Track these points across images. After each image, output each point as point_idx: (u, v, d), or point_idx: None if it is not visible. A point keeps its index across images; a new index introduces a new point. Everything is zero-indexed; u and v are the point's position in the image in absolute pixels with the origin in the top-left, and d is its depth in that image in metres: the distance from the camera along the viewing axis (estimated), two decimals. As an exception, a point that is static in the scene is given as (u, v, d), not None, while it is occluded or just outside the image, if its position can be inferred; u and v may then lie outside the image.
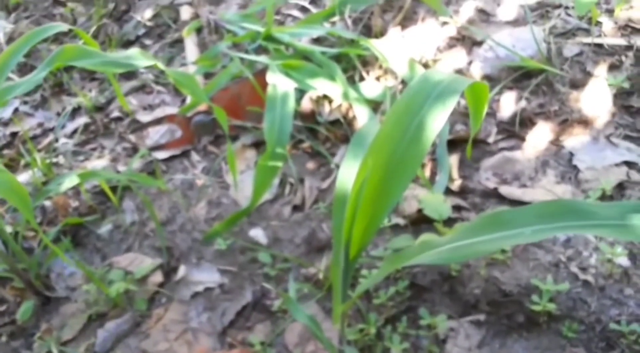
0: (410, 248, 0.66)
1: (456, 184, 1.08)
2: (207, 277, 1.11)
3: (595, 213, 0.55)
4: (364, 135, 0.85)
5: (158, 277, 1.12)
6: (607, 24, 1.30)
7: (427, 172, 1.14)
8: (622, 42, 1.25)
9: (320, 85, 1.30)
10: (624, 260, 0.91)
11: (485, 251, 0.71)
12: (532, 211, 0.59)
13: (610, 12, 1.34)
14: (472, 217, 1.01)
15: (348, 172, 0.79)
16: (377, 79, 1.31)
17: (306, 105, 1.29)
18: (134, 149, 1.38)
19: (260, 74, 1.32)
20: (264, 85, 1.28)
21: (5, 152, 1.46)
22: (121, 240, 1.21)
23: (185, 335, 1.03)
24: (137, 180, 1.10)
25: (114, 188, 1.25)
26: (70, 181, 0.97)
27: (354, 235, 0.66)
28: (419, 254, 0.63)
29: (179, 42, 1.66)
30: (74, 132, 1.48)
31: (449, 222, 1.01)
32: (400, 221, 1.05)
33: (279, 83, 1.24)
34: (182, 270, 1.12)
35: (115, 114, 1.49)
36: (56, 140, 1.47)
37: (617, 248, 0.91)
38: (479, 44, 1.34)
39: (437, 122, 0.63)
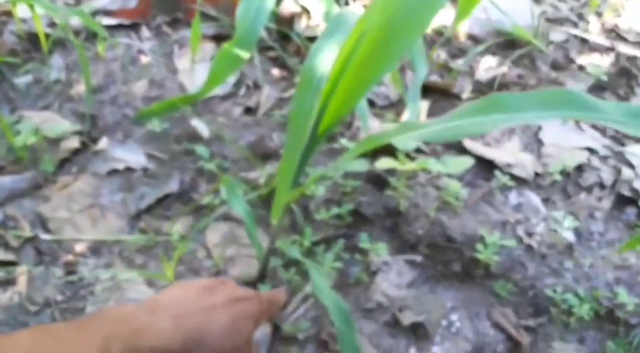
0: (391, 129, 0.59)
1: (422, 126, 1.03)
2: (131, 157, 0.98)
3: (600, 108, 0.51)
4: (345, 17, 0.76)
5: (74, 143, 0.98)
6: (595, 24, 1.30)
7: (395, 114, 1.08)
8: (606, 43, 1.25)
9: (303, -4, 1.20)
10: (569, 235, 0.90)
11: (480, 131, 0.66)
12: (537, 97, 0.54)
13: (599, 14, 1.34)
14: (431, 162, 0.96)
15: (323, 46, 0.71)
16: (364, 6, 1.23)
17: (286, 10, 1.18)
18: (78, 6, 1.21)
19: (242, -34, 1.20)
20: (244, -23, 1.15)
21: None
22: (39, 96, 1.05)
23: (91, 209, 0.91)
24: (83, 19, 0.95)
25: (45, 38, 1.08)
26: (0, -3, 0.81)
27: (332, 103, 0.58)
28: (403, 133, 0.56)
29: None
30: (10, -29, 1.27)
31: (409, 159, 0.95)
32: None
33: (262, -24, 1.12)
34: (103, 143, 0.99)
35: (64, -35, 1.30)
36: (-14, -27, 1.26)
37: (565, 221, 0.90)
38: (470, 6, 1.29)
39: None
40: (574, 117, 0.52)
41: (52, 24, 1.16)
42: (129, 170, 0.96)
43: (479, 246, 0.84)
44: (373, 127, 1.02)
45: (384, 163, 0.86)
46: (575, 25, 1.29)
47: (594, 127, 1.08)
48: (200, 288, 0.54)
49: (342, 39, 0.68)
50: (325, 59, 0.69)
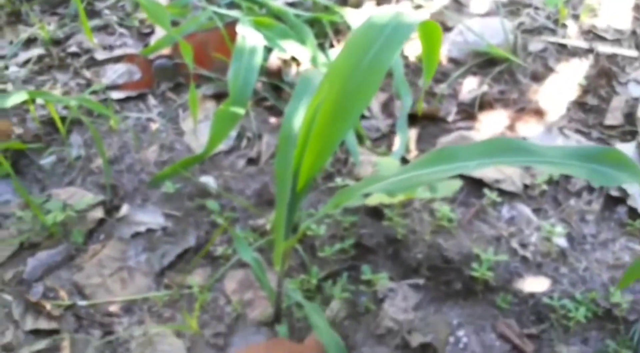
0: (358, 183, 0.66)
1: (412, 155, 1.10)
2: (151, 218, 1.08)
3: (537, 152, 0.57)
4: (310, 79, 0.84)
5: (99, 213, 1.08)
6: (572, 28, 1.35)
7: (387, 145, 1.15)
8: (584, 45, 1.30)
9: (289, 47, 1.29)
10: (562, 241, 0.95)
11: (429, 181, 0.73)
12: (478, 147, 0.60)
13: (576, 17, 1.39)
14: (420, 191, 1.02)
15: (295, 109, 0.79)
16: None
17: (274, 63, 1.28)
18: (89, 86, 1.33)
19: (230, 26, 1.30)
20: (233, 37, 1.25)
21: (-52, 71, 1.37)
22: (64, 173, 1.16)
23: (120, 272, 1.00)
24: (90, 106, 1.06)
25: (62, 120, 1.20)
26: (18, 97, 0.92)
27: (304, 164, 0.66)
28: (366, 187, 0.63)
29: (149, -12, 1.60)
30: (27, 61, 1.41)
31: (401, 189, 1.02)
32: (353, 183, 1.05)
33: (248, 35, 1.21)
34: (124, 209, 1.09)
35: (73, 49, 1.43)
36: (6, 67, 1.39)
37: (556, 228, 0.95)
38: (449, 29, 1.36)
39: (393, 52, 0.63)
40: (512, 162, 0.59)
41: (68, 106, 1.28)
42: (150, 231, 1.06)
43: (475, 264, 0.90)
44: (366, 161, 1.09)
45: (374, 199, 0.93)
46: (553, 32, 1.34)
47: (579, 131, 1.13)
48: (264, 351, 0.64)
49: (310, 100, 0.76)
50: (298, 121, 0.77)
